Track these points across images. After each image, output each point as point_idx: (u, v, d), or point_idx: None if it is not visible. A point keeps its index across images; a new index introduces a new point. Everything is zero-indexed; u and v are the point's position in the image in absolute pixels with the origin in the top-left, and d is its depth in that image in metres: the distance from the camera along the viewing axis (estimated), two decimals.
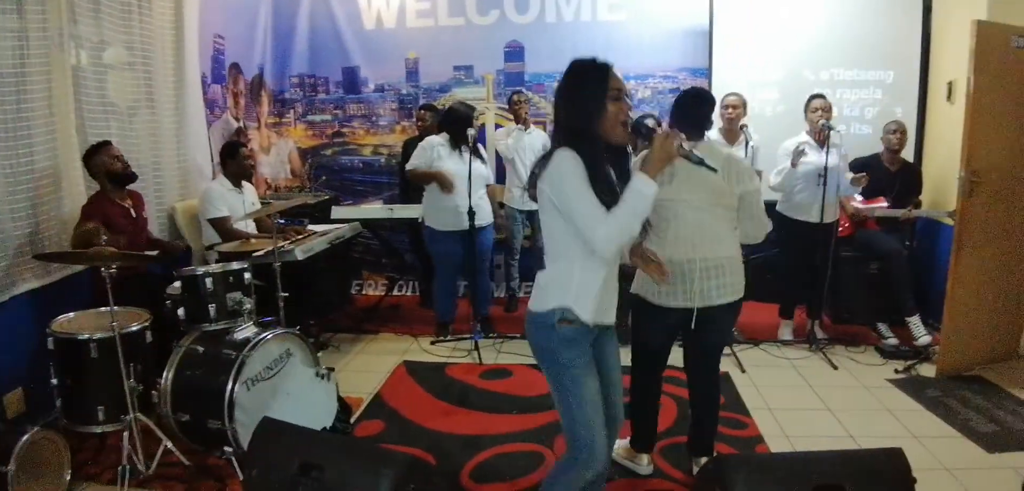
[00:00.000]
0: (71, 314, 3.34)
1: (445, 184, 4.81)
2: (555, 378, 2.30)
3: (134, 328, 3.19)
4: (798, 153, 4.71)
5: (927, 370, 4.58)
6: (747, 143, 4.67)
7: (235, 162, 4.72)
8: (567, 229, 2.19)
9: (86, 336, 3.09)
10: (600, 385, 2.32)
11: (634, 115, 2.69)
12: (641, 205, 2.12)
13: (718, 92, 5.34)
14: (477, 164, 4.77)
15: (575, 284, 2.22)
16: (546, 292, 2.26)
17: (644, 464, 3.31)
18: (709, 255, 2.90)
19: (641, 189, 2.12)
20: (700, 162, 2.25)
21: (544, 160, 2.24)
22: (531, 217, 5.85)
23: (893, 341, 4.97)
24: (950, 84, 5.29)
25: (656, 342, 3.16)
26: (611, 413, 2.41)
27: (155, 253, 3.87)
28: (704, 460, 3.25)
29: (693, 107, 3.13)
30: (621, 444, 3.40)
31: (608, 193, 2.17)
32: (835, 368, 4.66)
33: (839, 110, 4.99)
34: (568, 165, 2.13)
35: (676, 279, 2.90)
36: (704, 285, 2.90)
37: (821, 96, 4.85)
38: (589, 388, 2.27)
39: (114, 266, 3.02)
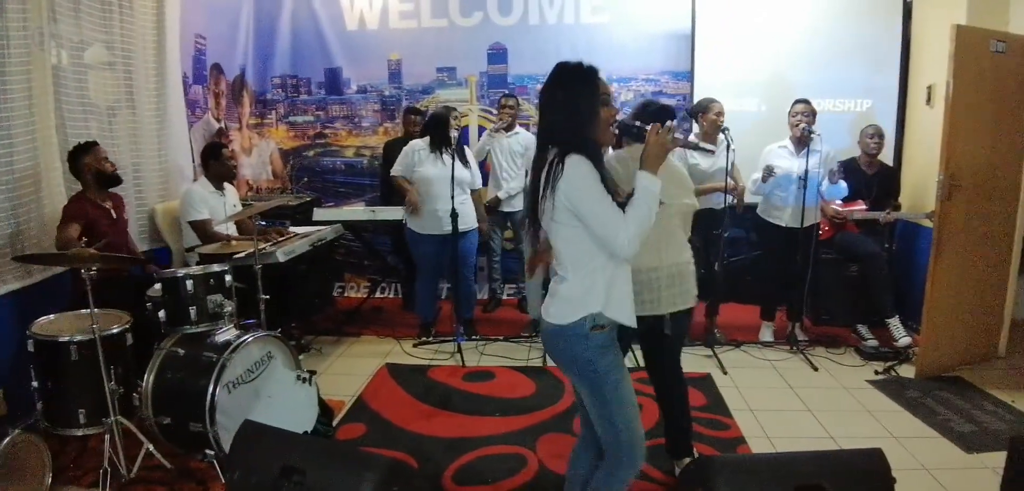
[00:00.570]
0: (52, 316, 3.30)
1: (413, 204, 4.90)
2: (594, 387, 2.28)
3: (115, 330, 3.16)
4: (767, 171, 4.76)
5: (907, 371, 4.63)
6: (728, 146, 4.69)
7: (218, 164, 4.68)
8: (586, 236, 2.18)
9: (67, 338, 3.05)
10: None
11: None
12: (652, 202, 2.18)
13: (700, 95, 5.38)
14: (459, 167, 4.76)
15: (605, 289, 2.22)
16: (572, 302, 2.22)
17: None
18: (672, 262, 2.93)
19: (649, 187, 2.19)
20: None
21: (549, 171, 2.19)
22: (509, 218, 5.86)
23: (873, 343, 5.02)
24: (930, 88, 5.35)
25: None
26: None
27: (135, 256, 3.83)
28: (686, 460, 3.26)
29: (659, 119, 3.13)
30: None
31: (611, 195, 2.18)
32: (815, 369, 4.70)
33: (821, 114, 5.02)
34: (585, 171, 2.13)
35: (643, 287, 2.90)
36: (670, 292, 2.93)
37: (804, 101, 4.88)
38: (628, 389, 2.30)
39: (95, 268, 2.99)
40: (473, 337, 5.25)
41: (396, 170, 4.97)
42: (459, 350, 4.91)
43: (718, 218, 4.85)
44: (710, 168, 4.89)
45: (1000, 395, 4.27)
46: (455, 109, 5.02)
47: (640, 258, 2.86)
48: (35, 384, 3.10)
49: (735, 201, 4.82)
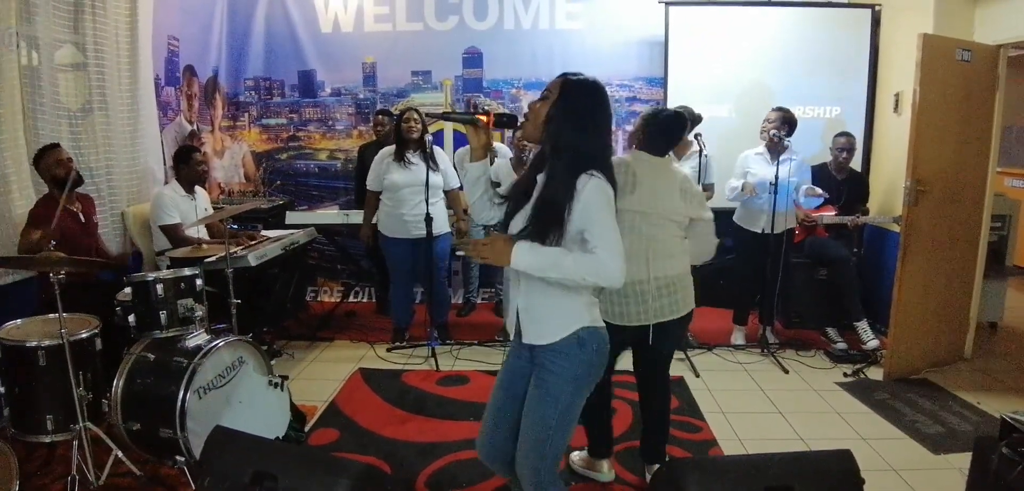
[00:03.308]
0: (19, 321, 3.23)
1: (365, 240, 5.14)
2: (568, 406, 2.23)
3: (83, 335, 3.10)
4: (749, 187, 4.85)
5: (875, 373, 4.70)
6: (701, 152, 4.74)
7: (188, 168, 4.62)
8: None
9: (34, 343, 2.98)
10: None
11: None
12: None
13: (673, 101, 5.43)
14: (430, 172, 4.74)
15: (588, 302, 2.23)
16: (566, 317, 2.19)
17: (605, 471, 3.32)
18: (661, 274, 2.94)
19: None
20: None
21: (563, 189, 2.11)
22: (485, 227, 5.86)
23: (842, 345, 5.09)
24: (897, 95, 5.45)
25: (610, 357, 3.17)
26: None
27: (104, 260, 3.78)
28: (657, 468, 3.28)
29: (668, 128, 3.13)
30: (578, 454, 3.42)
31: None
32: (786, 372, 4.75)
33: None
34: (605, 198, 2.10)
35: (629, 298, 2.93)
36: (658, 303, 2.95)
37: (779, 109, 4.93)
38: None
39: (63, 272, 2.94)
40: (447, 341, 5.24)
41: (369, 182, 5.00)
42: (433, 355, 4.90)
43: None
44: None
45: (966, 396, 4.35)
46: (411, 110, 4.94)
47: (630, 268, 2.89)
48: (2, 390, 3.03)
49: None
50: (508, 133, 5.72)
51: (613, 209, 2.12)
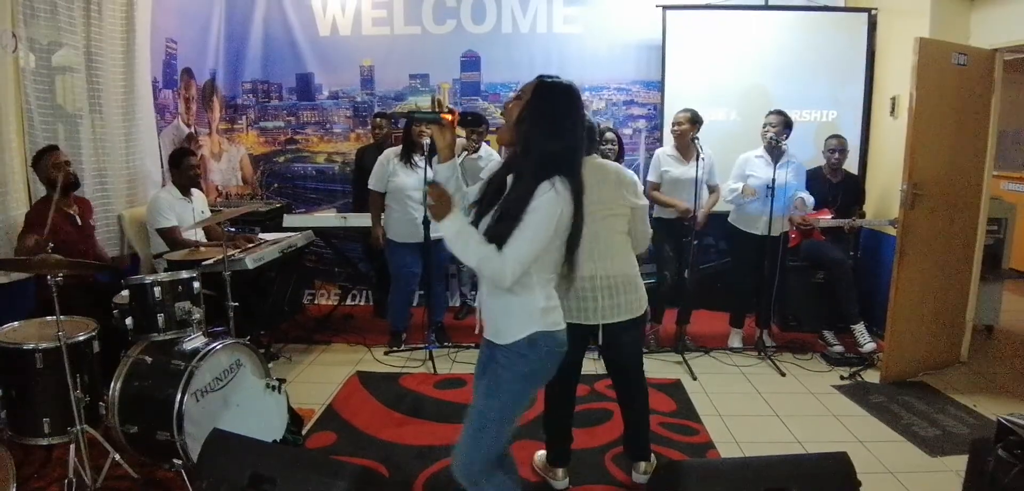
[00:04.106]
0: (16, 323, 3.22)
1: (376, 241, 5.05)
2: (511, 403, 2.28)
3: (81, 338, 3.08)
4: (749, 190, 4.85)
5: (871, 376, 4.71)
6: (698, 156, 4.75)
7: (179, 171, 4.61)
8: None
9: (31, 346, 2.97)
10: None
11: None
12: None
13: (671, 105, 5.44)
14: (430, 174, 4.74)
15: (544, 307, 2.23)
16: (522, 320, 2.21)
17: (560, 478, 3.29)
18: (607, 273, 2.95)
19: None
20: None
21: (527, 196, 2.12)
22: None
23: (839, 348, 5.10)
24: (894, 99, 5.46)
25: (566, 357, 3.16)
26: None
27: (101, 263, 3.77)
28: (643, 465, 3.30)
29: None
30: (540, 456, 3.43)
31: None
32: (783, 375, 4.76)
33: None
34: (552, 213, 2.09)
35: (574, 296, 2.93)
36: (607, 302, 2.95)
37: (777, 112, 4.96)
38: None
39: (60, 274, 2.93)
40: (444, 344, 5.25)
41: (372, 183, 4.97)
42: (430, 357, 4.90)
43: (689, 226, 4.92)
44: (681, 176, 4.95)
45: (962, 399, 4.36)
46: (417, 110, 4.94)
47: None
48: None
49: (693, 217, 4.88)
50: None
51: (551, 224, 2.10)
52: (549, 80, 2.22)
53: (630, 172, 3.20)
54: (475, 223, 2.27)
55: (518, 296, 2.18)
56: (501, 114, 2.21)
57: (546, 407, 3.28)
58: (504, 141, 2.30)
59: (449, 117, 2.27)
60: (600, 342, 3.01)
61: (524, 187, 2.13)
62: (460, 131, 2.23)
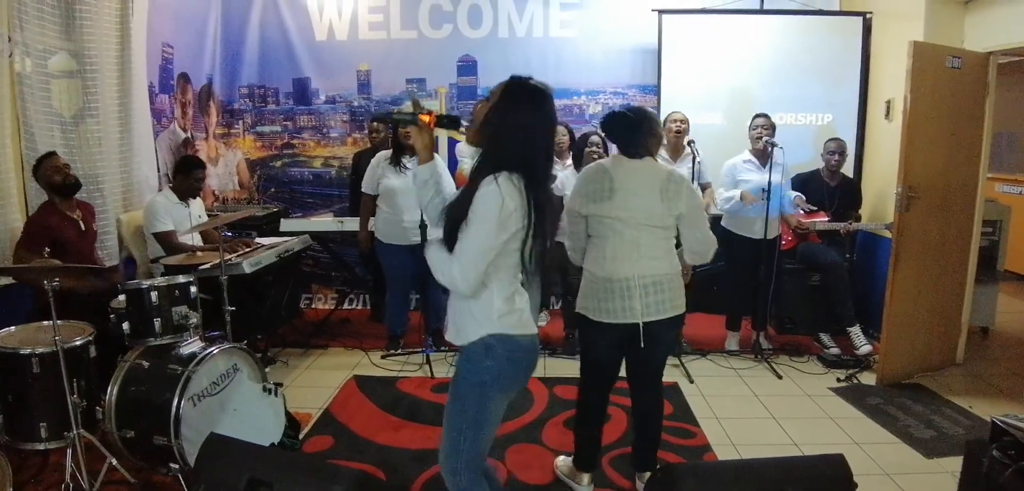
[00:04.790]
0: (12, 328, 3.22)
1: (363, 243, 5.08)
2: (477, 411, 2.24)
3: (78, 342, 3.09)
4: (744, 196, 4.87)
5: (868, 378, 4.72)
6: (693, 159, 4.76)
7: (186, 179, 4.64)
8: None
9: (28, 351, 2.97)
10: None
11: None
12: (423, 191, 2.35)
13: (667, 108, 5.45)
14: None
15: (502, 310, 2.20)
16: (476, 322, 2.19)
17: (585, 484, 3.28)
18: (647, 272, 2.93)
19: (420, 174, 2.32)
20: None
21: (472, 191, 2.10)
22: None
23: (835, 351, 5.11)
24: (888, 102, 5.48)
25: (603, 358, 3.14)
26: None
27: (100, 268, 3.78)
28: (648, 476, 3.28)
29: (631, 126, 3.06)
30: (564, 461, 3.43)
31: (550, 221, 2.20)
32: (780, 377, 4.77)
33: (783, 128, 5.14)
34: (492, 206, 2.04)
35: (616, 296, 2.93)
36: (645, 301, 2.93)
37: (764, 115, 4.98)
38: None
39: (57, 279, 2.93)
40: (442, 348, 5.24)
41: (363, 185, 4.98)
42: (428, 361, 4.90)
43: None
44: None
45: (958, 401, 4.37)
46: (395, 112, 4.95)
47: (614, 267, 2.92)
48: None
49: None
50: None
51: (494, 221, 2.05)
52: (519, 81, 2.18)
53: (680, 175, 3.10)
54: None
55: (475, 297, 2.16)
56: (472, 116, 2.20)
57: (579, 411, 3.28)
58: (472, 142, 2.27)
59: (427, 118, 2.24)
60: (642, 343, 2.96)
61: (471, 186, 2.11)
62: (440, 131, 2.21)
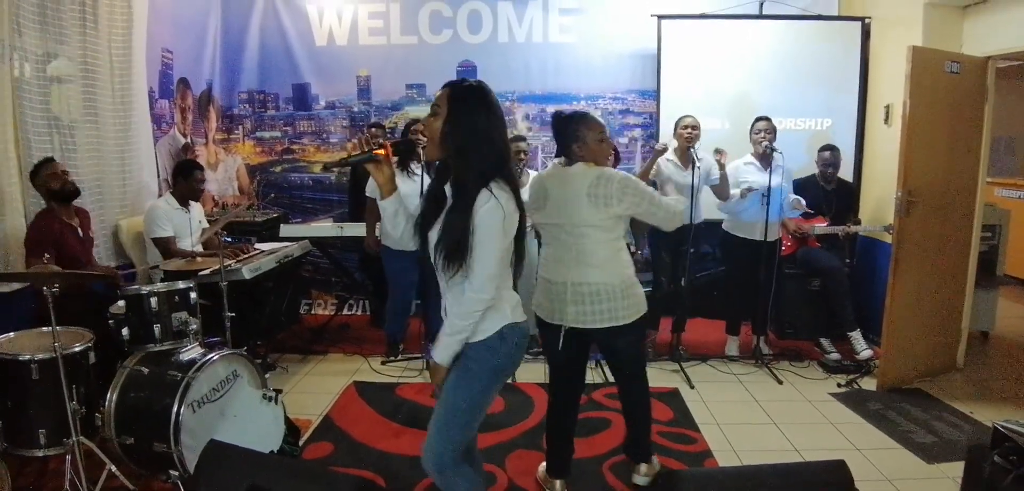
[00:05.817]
0: (11, 334, 3.21)
1: (370, 248, 5.07)
2: (481, 393, 2.34)
3: (77, 349, 3.08)
4: (746, 189, 4.84)
5: (868, 383, 4.72)
6: (694, 164, 4.75)
7: (188, 183, 4.64)
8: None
9: (27, 357, 2.96)
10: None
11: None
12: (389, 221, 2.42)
13: (667, 113, 5.46)
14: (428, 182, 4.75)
15: (512, 303, 2.35)
16: (493, 319, 2.28)
17: (557, 490, 3.28)
18: (581, 279, 2.95)
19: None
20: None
21: (467, 212, 2.15)
22: None
23: (835, 356, 5.10)
24: (887, 107, 5.49)
25: (557, 358, 3.16)
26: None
27: (99, 273, 3.77)
28: (644, 467, 3.30)
29: (558, 130, 3.11)
30: (542, 468, 3.44)
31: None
32: (780, 383, 4.77)
33: (783, 133, 5.14)
34: (496, 221, 2.15)
35: (554, 298, 3.01)
36: (575, 309, 2.96)
37: (766, 118, 4.98)
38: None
39: (56, 285, 2.92)
40: None
41: (369, 190, 4.96)
42: (428, 367, 4.89)
43: (685, 234, 4.91)
44: (683, 182, 4.92)
45: (959, 406, 4.37)
46: (419, 122, 4.95)
47: (550, 271, 3.04)
48: None
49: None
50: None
51: (501, 231, 2.16)
52: (460, 86, 2.24)
53: (610, 174, 2.96)
54: (422, 236, 2.33)
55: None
56: (421, 133, 2.23)
57: (549, 415, 3.29)
58: (433, 158, 2.32)
59: (382, 152, 2.29)
60: (573, 347, 3.06)
61: (464, 202, 2.16)
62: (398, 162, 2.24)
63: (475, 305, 2.20)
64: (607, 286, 2.96)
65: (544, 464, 3.41)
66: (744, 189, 4.86)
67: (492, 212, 2.13)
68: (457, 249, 2.16)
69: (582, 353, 3.21)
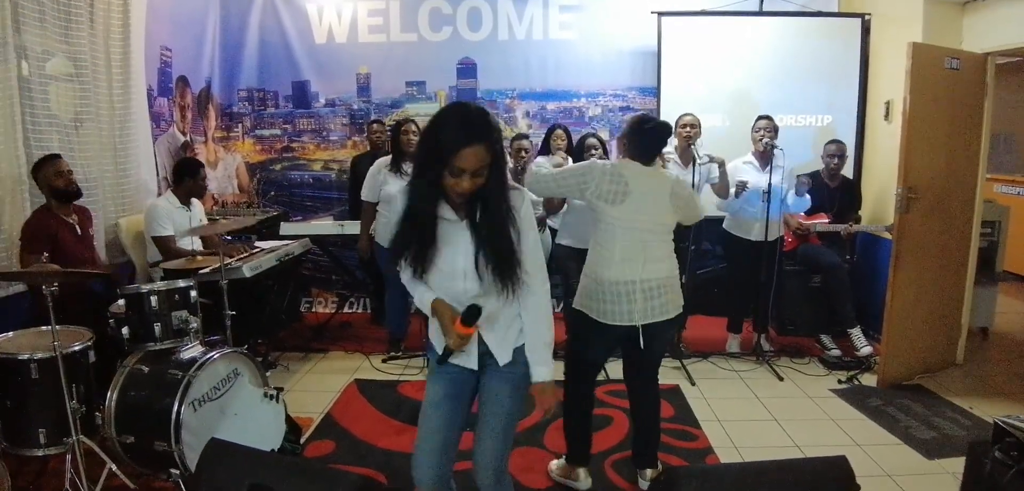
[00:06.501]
0: (11, 333, 3.21)
1: (363, 252, 5.09)
2: (524, 400, 2.36)
3: (76, 348, 3.07)
4: (741, 186, 4.83)
5: (869, 380, 4.72)
6: (694, 162, 4.74)
7: (194, 182, 4.64)
8: None
9: (27, 356, 2.95)
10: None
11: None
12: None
13: (667, 111, 5.45)
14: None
15: None
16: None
17: (582, 479, 3.31)
18: (650, 277, 2.99)
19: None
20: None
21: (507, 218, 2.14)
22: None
23: (836, 352, 5.11)
24: (888, 104, 5.48)
25: (596, 356, 3.27)
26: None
27: (99, 271, 3.76)
28: (649, 472, 3.29)
29: (657, 137, 3.16)
30: (556, 463, 3.43)
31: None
32: (781, 379, 4.77)
33: (783, 130, 5.14)
34: (533, 217, 2.25)
35: (620, 299, 2.99)
36: (646, 305, 2.99)
37: (767, 117, 4.98)
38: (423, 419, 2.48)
39: (55, 284, 2.92)
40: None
41: (363, 193, 4.96)
42: (429, 364, 4.88)
43: (686, 232, 4.91)
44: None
45: (959, 401, 4.37)
46: (409, 122, 5.00)
47: (621, 270, 2.99)
48: None
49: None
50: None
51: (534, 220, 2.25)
52: (492, 132, 2.07)
53: (682, 180, 3.31)
54: (423, 269, 2.31)
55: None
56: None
57: (569, 409, 3.31)
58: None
59: (466, 331, 2.16)
60: (642, 344, 3.04)
61: (503, 208, 2.13)
62: (465, 330, 2.17)
63: (548, 300, 2.27)
64: (670, 279, 3.08)
65: (556, 461, 3.43)
66: (739, 185, 4.85)
67: (529, 207, 2.21)
68: (511, 258, 2.12)
69: (619, 348, 3.27)
